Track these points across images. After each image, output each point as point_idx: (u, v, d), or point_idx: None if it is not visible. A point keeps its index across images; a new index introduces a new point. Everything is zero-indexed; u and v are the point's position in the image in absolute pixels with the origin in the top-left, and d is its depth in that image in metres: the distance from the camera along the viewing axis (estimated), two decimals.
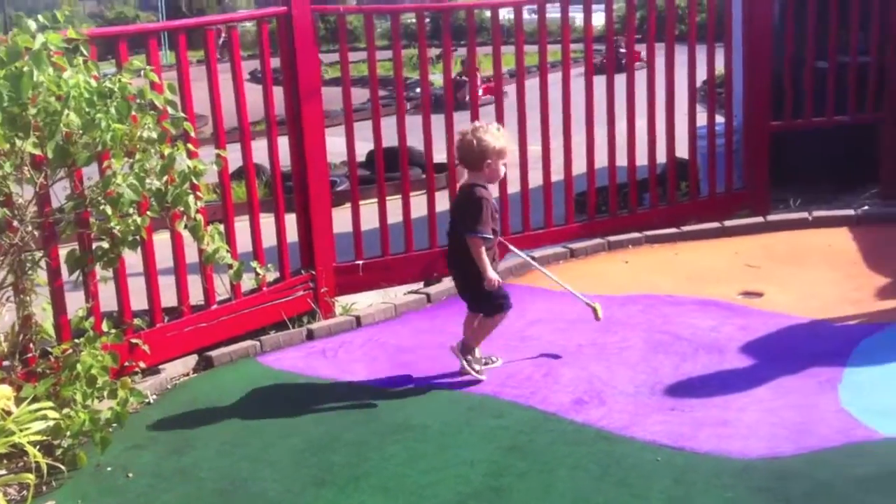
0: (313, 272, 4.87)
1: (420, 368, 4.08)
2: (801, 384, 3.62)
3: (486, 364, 3.99)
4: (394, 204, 5.28)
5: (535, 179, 5.60)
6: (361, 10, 5.49)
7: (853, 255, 5.06)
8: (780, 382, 3.65)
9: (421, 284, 5.29)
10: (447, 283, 5.11)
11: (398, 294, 5.19)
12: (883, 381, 3.54)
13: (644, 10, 5.97)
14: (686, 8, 5.92)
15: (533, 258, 5.02)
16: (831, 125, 6.17)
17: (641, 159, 5.81)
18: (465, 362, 3.91)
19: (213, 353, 4.33)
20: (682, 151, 6.03)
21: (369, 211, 5.21)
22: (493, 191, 5.35)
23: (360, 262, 5.07)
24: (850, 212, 5.62)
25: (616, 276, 5.03)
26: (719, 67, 6.06)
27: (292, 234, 4.94)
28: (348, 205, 5.20)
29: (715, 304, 4.56)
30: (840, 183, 6.75)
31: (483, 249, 3.78)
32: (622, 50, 8.83)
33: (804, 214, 5.65)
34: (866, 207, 5.83)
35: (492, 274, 3.80)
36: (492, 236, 3.83)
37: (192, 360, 4.33)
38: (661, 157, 5.98)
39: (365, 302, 5.13)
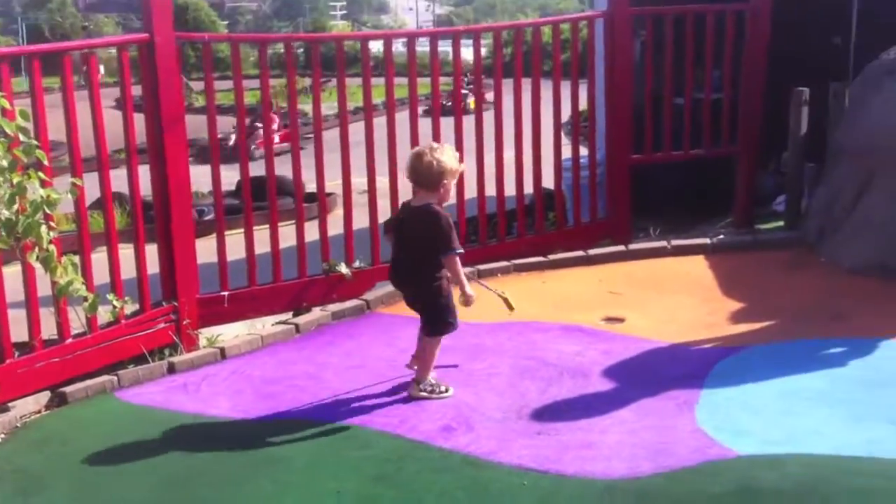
0: (175, 303, 4.72)
1: (286, 400, 4.01)
2: (661, 406, 3.73)
3: (433, 391, 3.94)
4: (263, 234, 5.21)
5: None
6: (229, 39, 5.36)
7: (709, 281, 5.27)
8: (641, 404, 3.76)
9: (290, 315, 5.22)
10: (317, 312, 5.07)
11: (266, 325, 5.10)
12: (736, 401, 3.69)
13: (511, 46, 6.10)
14: (552, 44, 6.11)
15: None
16: (688, 158, 6.44)
17: (510, 190, 5.93)
18: (426, 394, 3.91)
19: (68, 389, 4.14)
20: (549, 183, 6.19)
21: (238, 241, 5.11)
22: (362, 221, 5.47)
23: (226, 293, 4.96)
24: (706, 240, 5.86)
25: (484, 305, 5.06)
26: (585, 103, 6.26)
27: (156, 266, 4.80)
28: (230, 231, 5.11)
29: (580, 329, 4.66)
30: (699, 213, 7.07)
31: (460, 266, 3.87)
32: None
33: (663, 243, 5.87)
34: (721, 236, 6.10)
35: (470, 290, 3.91)
36: (463, 251, 3.93)
37: (45, 396, 4.12)
38: (531, 189, 6.11)
39: (233, 333, 5.02)
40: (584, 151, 6.40)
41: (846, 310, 4.60)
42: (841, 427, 3.39)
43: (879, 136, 5.24)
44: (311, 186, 5.69)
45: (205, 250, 5.11)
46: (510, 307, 4.19)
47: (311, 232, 5.45)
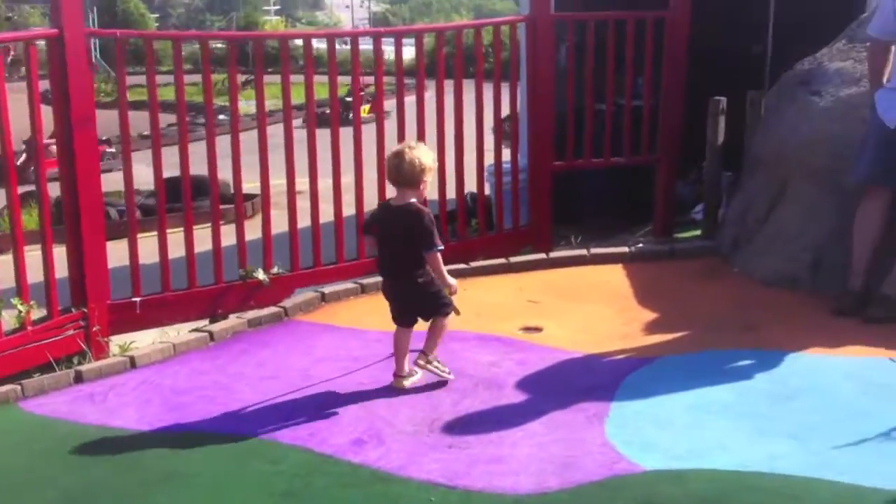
0: (85, 310, 4.59)
1: (195, 411, 3.92)
2: (571, 418, 3.74)
3: (410, 376, 4.12)
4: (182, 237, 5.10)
5: (327, 214, 5.57)
6: (141, 35, 5.22)
7: (626, 290, 5.32)
8: (552, 417, 3.77)
9: (206, 322, 5.12)
10: (232, 320, 4.98)
11: (182, 332, 4.99)
12: (645, 414, 3.72)
13: (451, 46, 6.08)
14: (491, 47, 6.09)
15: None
16: (609, 166, 6.49)
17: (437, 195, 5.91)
18: (433, 366, 4.11)
19: None
20: (473, 189, 6.18)
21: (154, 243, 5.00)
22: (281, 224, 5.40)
23: (138, 298, 4.84)
24: (625, 249, 5.92)
25: None
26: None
27: (66, 269, 4.67)
28: (142, 235, 5.01)
29: (497, 339, 4.66)
30: (623, 220, 7.14)
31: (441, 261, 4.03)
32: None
33: (583, 251, 5.91)
34: (640, 245, 6.16)
35: (452, 280, 4.08)
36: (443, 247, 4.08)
37: None
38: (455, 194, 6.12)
39: (147, 341, 4.90)
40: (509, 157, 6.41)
41: (756, 322, 4.68)
42: (745, 441, 3.44)
43: (791, 146, 5.34)
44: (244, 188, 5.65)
45: (124, 252, 5.00)
46: (456, 312, 4.21)
47: (232, 236, 5.38)
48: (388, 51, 5.89)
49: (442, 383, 4.15)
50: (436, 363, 4.15)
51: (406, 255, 4.00)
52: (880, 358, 4.15)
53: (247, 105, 10.13)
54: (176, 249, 5.15)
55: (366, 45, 6.12)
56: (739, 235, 5.62)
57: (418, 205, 4.00)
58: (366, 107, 7.33)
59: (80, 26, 4.53)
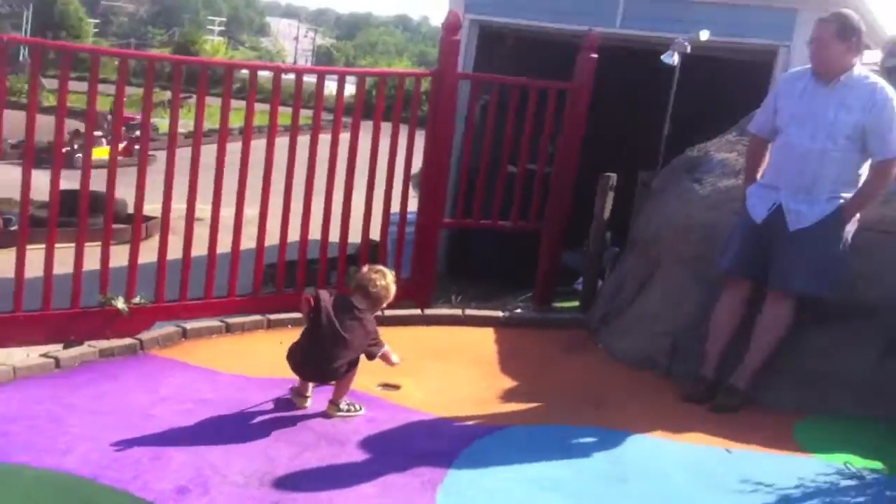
0: None
1: (16, 444, 3.76)
2: (406, 482, 3.70)
3: (349, 411, 4.29)
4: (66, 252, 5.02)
5: (225, 244, 5.57)
6: (27, 42, 5.12)
7: (492, 355, 5.33)
8: (388, 479, 3.71)
9: (59, 347, 4.95)
10: (84, 348, 4.82)
11: (32, 355, 4.82)
12: (478, 484, 3.70)
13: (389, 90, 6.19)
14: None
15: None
16: (495, 228, 6.55)
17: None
18: (344, 410, 4.27)
19: None
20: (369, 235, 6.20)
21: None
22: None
23: None
24: (499, 313, 5.94)
25: (262, 357, 4.96)
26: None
27: None
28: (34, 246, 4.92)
29: (352, 394, 4.59)
30: (516, 282, 7.21)
31: None
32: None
33: (458, 311, 5.91)
34: (518, 310, 6.20)
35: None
36: None
37: None
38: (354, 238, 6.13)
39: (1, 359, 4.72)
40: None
41: (609, 400, 4.72)
42: None
43: (666, 230, 5.46)
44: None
45: (4, 263, 4.87)
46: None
47: (119, 258, 5.31)
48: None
49: (284, 435, 4.07)
50: (346, 408, 4.31)
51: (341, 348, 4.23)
52: (718, 448, 4.22)
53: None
54: (61, 267, 5.07)
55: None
56: (609, 312, 5.70)
57: (364, 310, 4.29)
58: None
59: None
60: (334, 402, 4.29)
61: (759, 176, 4.91)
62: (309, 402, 4.34)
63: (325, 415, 4.26)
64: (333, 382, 4.31)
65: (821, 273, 4.65)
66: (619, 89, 8.55)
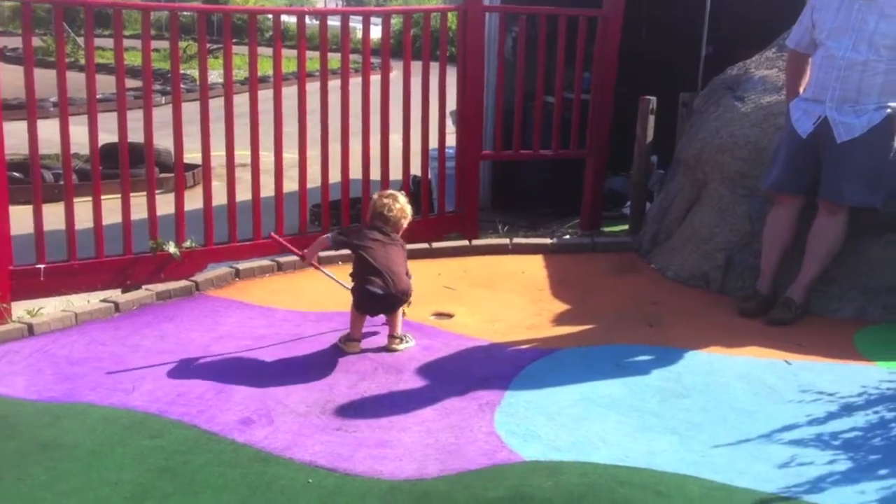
0: None
1: (86, 382, 3.87)
2: (464, 406, 3.74)
3: (403, 341, 4.35)
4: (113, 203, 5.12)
5: (269, 188, 5.62)
6: (47, 0, 5.02)
7: (541, 281, 5.34)
8: (445, 403, 3.77)
9: (118, 292, 5.05)
10: (141, 292, 4.92)
11: (92, 301, 4.93)
12: (535, 405, 3.73)
13: (419, 27, 6.07)
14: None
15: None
16: (536, 157, 6.50)
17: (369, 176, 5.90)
18: (405, 341, 4.33)
19: None
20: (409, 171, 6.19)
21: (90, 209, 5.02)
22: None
23: (41, 265, 4.75)
24: (547, 240, 5.93)
25: (315, 293, 5.02)
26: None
27: None
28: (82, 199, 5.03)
29: (406, 324, 4.63)
30: (562, 212, 7.17)
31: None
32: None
33: (505, 240, 5.91)
34: (567, 236, 6.18)
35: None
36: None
37: None
38: (396, 175, 6.13)
39: (60, 307, 4.83)
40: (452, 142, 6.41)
41: (662, 318, 4.71)
42: (627, 436, 3.47)
43: (710, 149, 5.38)
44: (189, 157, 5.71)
45: (57, 216, 4.96)
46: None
47: (167, 206, 5.38)
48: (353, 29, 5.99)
49: (341, 365, 4.13)
50: (402, 339, 4.37)
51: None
52: (776, 360, 4.20)
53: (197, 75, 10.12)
54: (109, 216, 5.14)
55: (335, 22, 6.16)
56: (658, 233, 5.66)
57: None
58: None
59: None
60: (394, 336, 4.33)
61: (801, 90, 4.81)
62: (360, 346, 4.31)
63: (386, 349, 4.30)
64: (394, 314, 4.33)
65: (872, 183, 4.59)
66: (656, 13, 8.37)
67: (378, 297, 4.19)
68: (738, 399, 3.81)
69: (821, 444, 3.40)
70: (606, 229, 6.65)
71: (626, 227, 6.59)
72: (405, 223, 4.42)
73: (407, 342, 4.36)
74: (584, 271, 5.51)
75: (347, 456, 3.32)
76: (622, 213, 7.17)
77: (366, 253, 4.21)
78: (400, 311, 4.37)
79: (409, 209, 4.42)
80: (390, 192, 4.52)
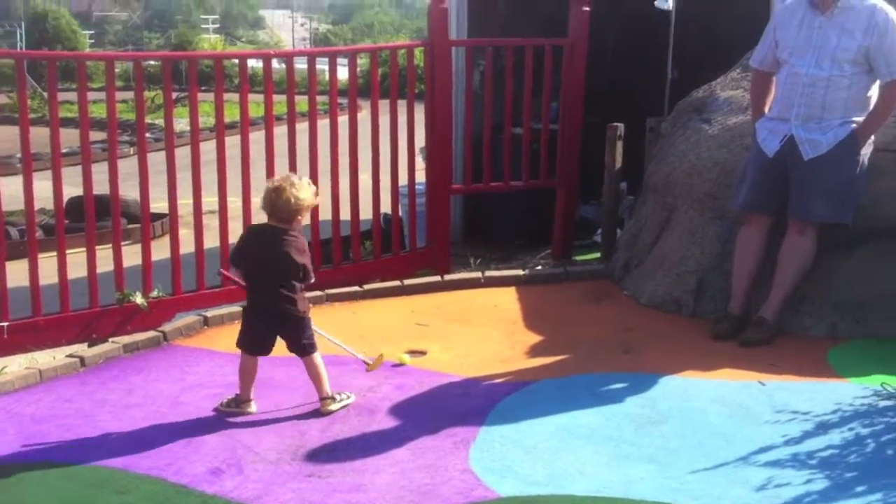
0: None
1: (51, 441, 3.78)
2: (438, 444, 3.68)
3: (342, 401, 4.05)
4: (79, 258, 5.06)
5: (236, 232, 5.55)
6: (10, 55, 4.99)
7: (514, 314, 5.29)
8: (420, 443, 3.70)
9: (84, 346, 4.96)
10: (107, 345, 4.82)
11: (58, 356, 4.84)
12: (510, 439, 3.68)
13: (386, 66, 6.09)
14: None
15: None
16: (507, 189, 6.49)
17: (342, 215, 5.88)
18: (339, 401, 4.02)
19: None
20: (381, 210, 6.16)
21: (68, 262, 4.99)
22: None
23: (5, 323, 4.67)
24: (520, 272, 5.90)
25: None
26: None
27: None
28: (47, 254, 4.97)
29: (384, 365, 4.58)
30: (535, 241, 7.16)
31: None
32: None
33: (478, 274, 5.87)
34: (538, 267, 6.15)
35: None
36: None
37: None
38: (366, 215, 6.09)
39: (24, 364, 4.74)
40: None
41: (636, 345, 4.68)
42: (604, 466, 3.42)
43: (678, 173, 5.39)
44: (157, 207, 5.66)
45: (21, 273, 4.91)
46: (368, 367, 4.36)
47: (134, 257, 5.32)
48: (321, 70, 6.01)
49: (313, 408, 4.06)
50: (338, 399, 4.05)
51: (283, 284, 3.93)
52: (750, 381, 4.17)
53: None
54: (75, 270, 5.07)
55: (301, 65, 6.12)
56: (630, 259, 5.64)
57: (290, 232, 3.93)
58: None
59: None
60: (324, 398, 4.02)
61: (766, 109, 4.83)
62: (253, 407, 4.03)
63: (320, 413, 3.99)
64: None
65: (841, 199, 4.59)
66: (621, 40, 8.44)
67: (254, 332, 4.01)
68: (714, 423, 3.77)
69: (797, 465, 3.37)
70: (579, 258, 6.63)
71: (598, 254, 6.58)
72: (302, 207, 3.93)
73: (342, 400, 4.06)
74: (558, 301, 5.47)
75: (319, 502, 3.25)
76: (594, 240, 7.16)
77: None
78: (315, 368, 4.03)
79: (300, 189, 3.90)
80: (274, 180, 4.01)
